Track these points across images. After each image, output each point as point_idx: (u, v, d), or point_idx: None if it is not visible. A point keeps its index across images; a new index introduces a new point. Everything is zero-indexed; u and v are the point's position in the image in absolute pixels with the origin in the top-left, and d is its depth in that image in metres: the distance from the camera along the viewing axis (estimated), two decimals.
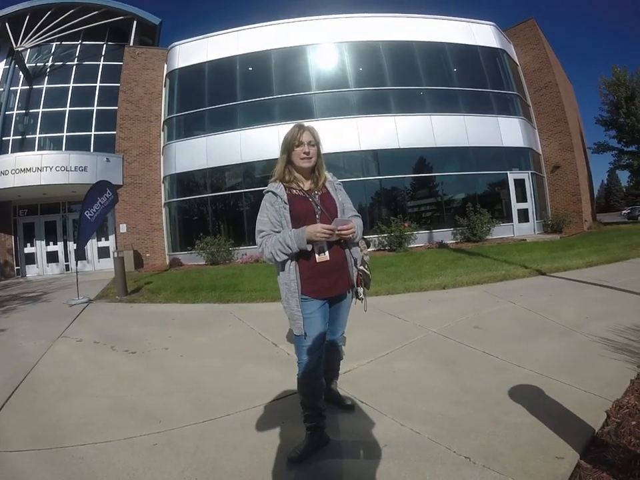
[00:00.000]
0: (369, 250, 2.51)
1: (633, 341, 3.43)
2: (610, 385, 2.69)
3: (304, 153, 2.16)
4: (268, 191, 2.20)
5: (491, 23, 17.30)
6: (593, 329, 3.91)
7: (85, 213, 8.27)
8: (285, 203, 2.11)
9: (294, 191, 2.19)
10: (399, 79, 15.64)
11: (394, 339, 4.09)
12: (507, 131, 15.76)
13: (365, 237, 2.44)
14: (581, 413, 2.36)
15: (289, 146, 2.20)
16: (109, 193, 8.69)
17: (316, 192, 2.21)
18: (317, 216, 2.13)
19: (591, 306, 4.81)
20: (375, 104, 15.37)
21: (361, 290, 2.26)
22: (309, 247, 2.02)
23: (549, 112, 17.29)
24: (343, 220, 2.08)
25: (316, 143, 2.22)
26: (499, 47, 17.02)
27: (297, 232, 2.01)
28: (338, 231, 2.00)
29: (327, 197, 2.22)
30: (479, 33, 16.76)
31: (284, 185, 2.18)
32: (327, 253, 2.10)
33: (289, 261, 2.09)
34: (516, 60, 18.00)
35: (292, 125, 2.25)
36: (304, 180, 2.25)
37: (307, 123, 2.28)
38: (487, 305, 5.21)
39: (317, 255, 2.09)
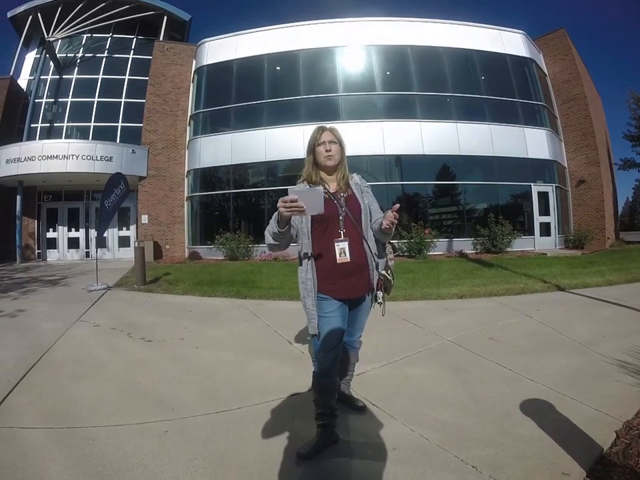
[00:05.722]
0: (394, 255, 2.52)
1: None
2: (620, 405, 2.66)
3: (326, 150, 2.21)
4: None
5: (520, 31, 17.01)
6: (607, 348, 3.84)
7: (105, 202, 8.63)
8: None
9: None
10: (425, 84, 15.55)
11: (408, 345, 4.09)
12: (532, 142, 15.51)
13: (392, 241, 2.45)
14: (590, 431, 2.34)
15: (312, 147, 2.27)
16: (122, 185, 8.96)
17: (342, 194, 2.23)
18: (341, 217, 2.15)
19: (607, 325, 4.72)
20: (400, 108, 15.31)
21: (380, 294, 2.26)
22: (279, 227, 1.98)
23: (576, 125, 16.94)
24: (306, 191, 1.93)
25: (338, 140, 2.25)
26: (528, 56, 16.76)
27: (275, 214, 1.99)
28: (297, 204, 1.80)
29: (351, 199, 2.24)
30: (508, 42, 16.52)
31: (310, 186, 2.20)
32: (347, 254, 2.12)
33: (306, 259, 2.14)
34: (545, 70, 17.66)
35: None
36: (329, 181, 2.28)
37: (328, 125, 2.33)
38: (503, 317, 5.17)
39: (337, 256, 2.11)
